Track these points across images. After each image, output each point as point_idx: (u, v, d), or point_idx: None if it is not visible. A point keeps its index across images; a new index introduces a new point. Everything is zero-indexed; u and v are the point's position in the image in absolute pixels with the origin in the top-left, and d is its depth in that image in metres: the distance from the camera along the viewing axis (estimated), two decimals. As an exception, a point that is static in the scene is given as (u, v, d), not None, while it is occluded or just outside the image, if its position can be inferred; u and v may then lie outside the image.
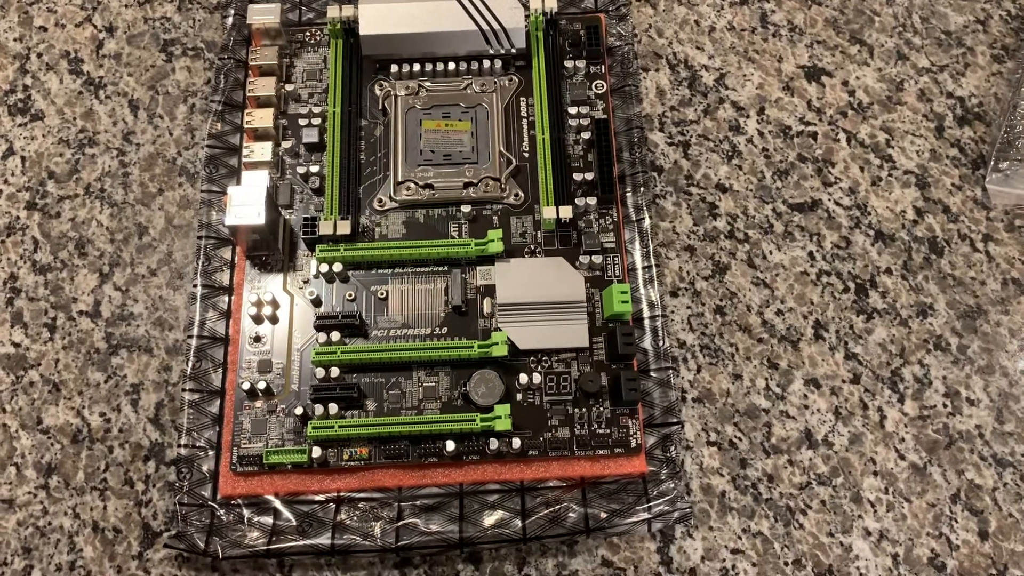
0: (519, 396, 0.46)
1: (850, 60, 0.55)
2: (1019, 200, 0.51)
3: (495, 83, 0.53)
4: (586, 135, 0.51)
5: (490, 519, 0.44)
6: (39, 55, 0.55)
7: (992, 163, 0.51)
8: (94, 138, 0.53)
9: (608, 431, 0.46)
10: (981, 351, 0.48)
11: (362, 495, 0.45)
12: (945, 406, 0.47)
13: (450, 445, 0.44)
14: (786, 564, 0.44)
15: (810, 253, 0.50)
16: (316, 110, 0.52)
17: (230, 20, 0.54)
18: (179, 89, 0.54)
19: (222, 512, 0.44)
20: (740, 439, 0.46)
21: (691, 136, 0.53)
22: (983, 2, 0.56)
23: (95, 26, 0.56)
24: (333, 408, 0.45)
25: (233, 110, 0.52)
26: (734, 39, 0.55)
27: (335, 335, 0.47)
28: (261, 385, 0.46)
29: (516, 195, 0.51)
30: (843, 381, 0.47)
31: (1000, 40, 0.55)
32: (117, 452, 0.46)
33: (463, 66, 0.53)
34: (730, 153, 0.53)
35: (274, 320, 0.48)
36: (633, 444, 0.45)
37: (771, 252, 0.50)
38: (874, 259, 0.50)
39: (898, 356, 0.48)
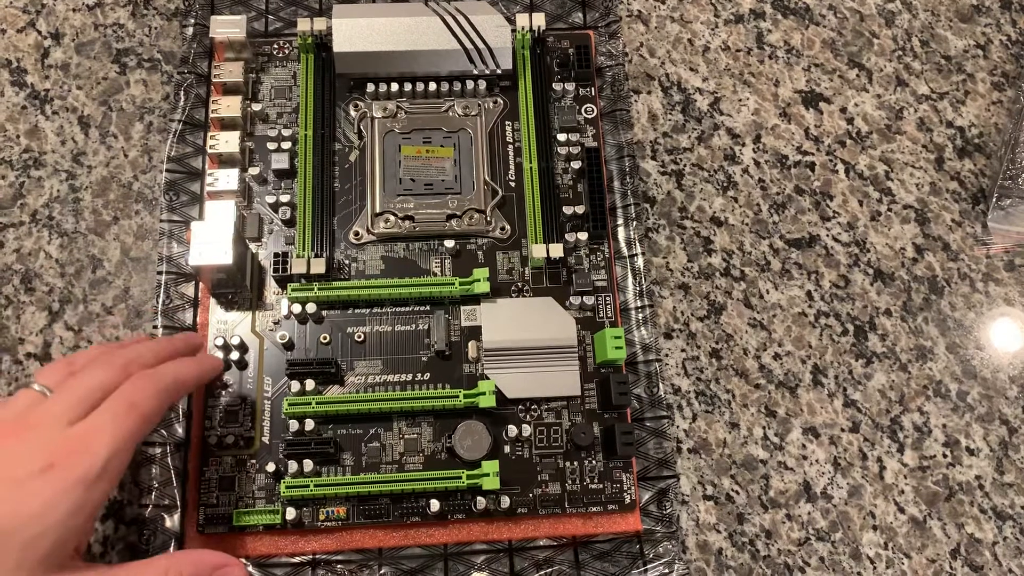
0: (507, 449, 0.44)
1: (848, 85, 0.53)
2: (1020, 238, 0.49)
3: (479, 105, 0.49)
4: (576, 164, 0.49)
5: (477, 582, 0.42)
6: (-23, 63, 0.50)
7: (993, 200, 0.49)
8: (40, 159, 0.48)
9: (601, 486, 0.43)
10: (981, 398, 0.47)
11: (340, 557, 0.42)
12: (945, 456, 0.46)
13: (434, 504, 0.42)
14: (784, 625, 0.43)
15: (808, 292, 0.48)
16: (286, 132, 0.48)
17: (190, 30, 0.50)
18: (134, 105, 0.50)
19: (188, 578, 0.41)
20: (737, 492, 0.44)
21: (684, 165, 0.50)
22: (983, 26, 0.54)
23: (39, 32, 0.51)
24: (308, 464, 0.42)
25: (194, 129, 0.48)
26: (729, 60, 0.53)
27: (309, 383, 0.44)
28: (229, 438, 0.43)
29: (502, 228, 0.47)
30: (842, 430, 0.46)
31: (1000, 67, 0.53)
32: (71, 511, 0.42)
33: (444, 86, 0.49)
34: (725, 184, 0.50)
35: (242, 365, 0.44)
36: (627, 500, 0.43)
37: (768, 291, 0.48)
38: (873, 299, 0.48)
39: (897, 403, 0.46)
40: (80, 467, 0.33)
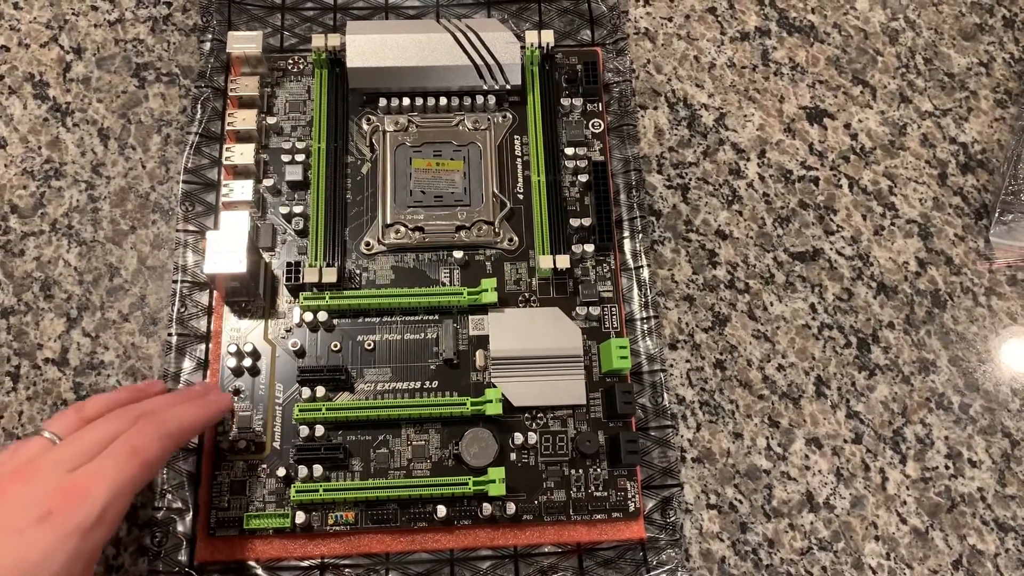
0: (513, 456, 0.44)
1: (852, 102, 0.53)
2: (1022, 253, 0.50)
3: (488, 120, 0.50)
4: (583, 178, 0.49)
5: (482, 587, 0.42)
6: (1, 77, 0.51)
7: (996, 215, 0.50)
8: (61, 169, 0.49)
9: (605, 494, 0.44)
10: (983, 410, 0.47)
11: (348, 561, 0.43)
12: (947, 467, 0.46)
13: (441, 510, 0.42)
14: (786, 633, 0.43)
15: (812, 305, 0.49)
16: (300, 145, 0.49)
17: (208, 45, 0.51)
18: (152, 118, 0.51)
19: (199, 580, 0.42)
20: (740, 502, 0.45)
21: (690, 179, 0.51)
22: (986, 44, 0.55)
23: (62, 47, 0.52)
24: (318, 470, 0.43)
25: (210, 142, 0.49)
26: (734, 77, 0.54)
27: (320, 390, 0.45)
28: (241, 443, 0.44)
29: (510, 240, 0.48)
30: (845, 441, 0.46)
31: (1003, 84, 0.54)
32: (86, 513, 0.43)
33: (455, 101, 0.50)
34: (730, 198, 0.51)
35: (254, 372, 0.45)
36: (632, 508, 0.44)
37: (772, 303, 0.49)
38: (876, 312, 0.49)
39: (900, 415, 0.47)
40: (78, 514, 0.33)
